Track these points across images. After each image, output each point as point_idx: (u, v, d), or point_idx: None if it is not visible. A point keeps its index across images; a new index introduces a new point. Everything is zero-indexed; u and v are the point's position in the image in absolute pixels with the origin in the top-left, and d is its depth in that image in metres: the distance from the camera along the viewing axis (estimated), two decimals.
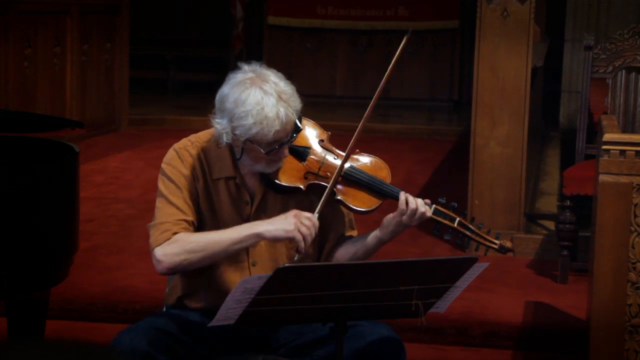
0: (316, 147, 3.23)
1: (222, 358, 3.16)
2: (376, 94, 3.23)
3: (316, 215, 3.07)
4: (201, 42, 11.49)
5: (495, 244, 3.21)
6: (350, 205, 3.19)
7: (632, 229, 3.80)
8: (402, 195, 3.16)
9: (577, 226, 5.24)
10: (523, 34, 5.49)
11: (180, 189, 3.14)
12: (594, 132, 5.12)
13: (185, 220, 3.11)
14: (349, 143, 3.17)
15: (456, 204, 3.26)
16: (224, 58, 11.26)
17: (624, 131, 5.20)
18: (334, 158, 3.21)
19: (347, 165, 3.19)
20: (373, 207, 3.21)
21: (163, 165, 3.19)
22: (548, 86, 8.66)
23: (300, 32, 10.90)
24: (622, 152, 3.81)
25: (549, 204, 6.47)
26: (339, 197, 3.18)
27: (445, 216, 3.20)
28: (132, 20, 9.18)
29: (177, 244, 3.06)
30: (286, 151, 3.12)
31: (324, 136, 3.26)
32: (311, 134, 3.25)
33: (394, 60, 3.21)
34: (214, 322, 2.84)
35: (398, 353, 3.08)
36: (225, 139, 3.07)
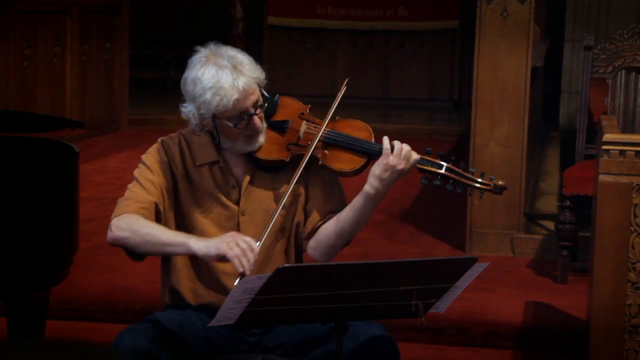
0: (295, 119, 3.24)
1: (222, 357, 3.16)
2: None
3: (259, 244, 3.02)
4: (201, 42, 11.42)
5: (488, 185, 3.16)
6: (334, 168, 3.18)
7: (632, 229, 3.80)
8: (386, 139, 3.12)
9: (577, 226, 5.24)
10: (523, 34, 5.49)
11: (151, 171, 3.18)
12: (594, 132, 5.12)
13: (148, 201, 3.13)
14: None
15: (443, 152, 3.22)
16: None
17: (624, 131, 5.20)
18: (315, 127, 3.22)
19: (324, 132, 3.19)
20: (358, 167, 3.17)
21: (142, 157, 3.25)
22: (548, 86, 8.66)
23: (300, 32, 10.90)
24: (622, 152, 3.81)
25: (549, 204, 6.46)
26: (321, 162, 3.18)
27: (432, 164, 3.16)
28: (132, 20, 9.18)
29: (128, 221, 3.10)
30: (258, 122, 3.12)
31: (304, 109, 3.28)
32: (290, 108, 3.27)
33: (333, 105, 3.21)
34: (214, 322, 2.84)
35: (391, 352, 3.08)
36: (193, 121, 3.12)
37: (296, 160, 3.18)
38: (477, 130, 5.58)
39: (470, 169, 3.20)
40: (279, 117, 3.23)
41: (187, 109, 3.13)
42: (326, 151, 3.19)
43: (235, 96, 3.05)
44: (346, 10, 10.85)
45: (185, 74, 3.14)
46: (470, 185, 3.16)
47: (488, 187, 3.16)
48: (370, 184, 3.11)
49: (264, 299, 2.74)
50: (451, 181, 3.15)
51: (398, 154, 3.09)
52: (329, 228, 3.20)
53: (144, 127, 9.24)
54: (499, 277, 5.15)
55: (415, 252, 5.51)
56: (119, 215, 3.13)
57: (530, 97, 5.60)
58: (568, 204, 5.23)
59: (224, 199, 3.19)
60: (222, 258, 2.98)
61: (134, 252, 3.14)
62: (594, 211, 4.03)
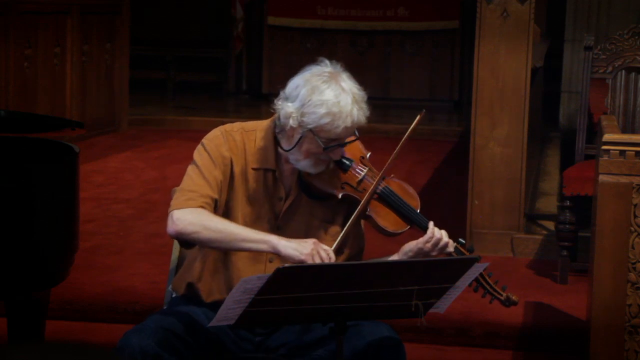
0: (357, 160, 3.26)
1: (223, 357, 3.16)
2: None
3: (344, 231, 3.11)
4: (201, 42, 11.49)
5: (501, 295, 3.25)
6: (379, 224, 3.22)
7: (632, 229, 3.80)
8: (431, 225, 3.20)
9: (577, 226, 5.24)
10: (523, 35, 5.49)
11: (215, 164, 3.15)
12: (594, 133, 5.12)
13: (210, 197, 3.12)
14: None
15: (473, 247, 3.33)
16: (224, 58, 11.26)
17: (623, 131, 5.20)
18: (372, 176, 3.24)
19: (382, 186, 3.23)
20: (399, 231, 3.24)
21: (204, 141, 3.19)
22: (548, 86, 8.65)
23: (300, 32, 10.89)
24: (622, 152, 3.81)
25: (549, 204, 6.46)
26: (369, 213, 3.21)
27: (462, 255, 3.24)
28: (132, 20, 9.18)
29: (197, 215, 3.07)
30: (339, 154, 3.15)
31: (366, 154, 3.30)
32: (354, 149, 3.27)
33: (406, 135, 3.25)
34: (214, 323, 2.84)
35: (397, 354, 3.08)
36: (289, 121, 3.08)
37: (345, 200, 3.20)
38: (477, 130, 5.58)
39: (489, 273, 3.25)
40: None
41: (289, 109, 3.09)
42: (376, 205, 3.23)
43: (347, 124, 3.07)
44: (346, 10, 10.85)
45: (300, 79, 3.12)
46: (488, 291, 3.25)
47: (501, 298, 3.25)
48: (400, 258, 3.22)
49: (264, 299, 2.74)
50: (475, 279, 3.20)
51: (436, 243, 3.18)
52: None
53: (144, 127, 9.24)
54: (499, 277, 5.13)
55: None
56: (182, 208, 3.09)
57: (530, 97, 5.60)
58: (568, 204, 5.23)
59: (270, 207, 3.19)
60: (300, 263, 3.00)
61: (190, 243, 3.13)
62: (594, 211, 4.03)
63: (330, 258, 3.02)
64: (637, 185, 3.80)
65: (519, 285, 5.10)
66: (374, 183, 3.21)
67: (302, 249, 3.01)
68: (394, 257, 3.24)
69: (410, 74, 10.71)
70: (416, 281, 2.82)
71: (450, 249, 3.20)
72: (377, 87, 10.70)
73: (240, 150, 3.18)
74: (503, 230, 5.55)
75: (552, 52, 8.15)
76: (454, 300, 2.97)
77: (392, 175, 3.30)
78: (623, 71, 5.53)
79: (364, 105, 3.13)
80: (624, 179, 3.80)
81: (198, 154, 3.18)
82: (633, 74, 5.53)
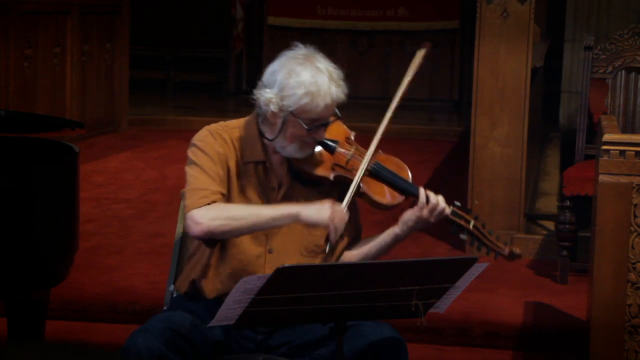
0: (344, 142, 3.30)
1: (224, 357, 3.16)
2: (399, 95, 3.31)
3: (344, 206, 3.14)
4: (201, 42, 11.49)
5: (504, 250, 3.26)
6: (374, 198, 3.24)
7: (632, 229, 3.80)
8: (422, 191, 3.23)
9: (577, 226, 5.24)
10: (523, 35, 5.49)
11: (213, 161, 3.18)
12: (594, 133, 5.12)
13: (220, 192, 3.15)
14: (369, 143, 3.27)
15: (471, 209, 3.36)
16: (224, 58, 11.26)
17: (623, 131, 5.20)
18: (360, 154, 3.27)
19: (372, 161, 3.26)
20: (395, 203, 3.27)
21: (195, 141, 3.22)
22: (548, 86, 8.65)
23: (300, 33, 10.88)
24: (622, 152, 3.81)
25: (549, 204, 6.47)
26: (363, 190, 3.23)
27: (461, 217, 3.27)
28: (132, 20, 9.18)
29: (216, 210, 3.11)
30: (323, 134, 3.18)
31: (350, 134, 3.34)
32: (339, 131, 3.31)
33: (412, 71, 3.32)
34: (214, 323, 2.84)
35: (399, 354, 3.08)
36: (270, 107, 3.12)
37: (338, 181, 3.23)
38: (477, 130, 5.58)
39: (489, 230, 3.29)
40: (327, 136, 3.26)
41: (268, 95, 3.13)
42: (369, 181, 3.25)
43: (327, 102, 3.12)
44: (346, 10, 10.85)
45: (277, 65, 3.17)
46: (491, 247, 3.26)
47: (504, 253, 3.26)
48: (401, 229, 3.26)
49: (264, 299, 2.74)
50: (474, 237, 3.25)
51: (432, 208, 3.21)
52: (351, 257, 3.31)
53: (144, 127, 9.24)
54: (499, 277, 5.15)
55: (415, 252, 5.51)
56: (198, 207, 3.11)
57: (530, 97, 5.60)
58: (568, 204, 5.23)
59: (264, 198, 3.22)
60: (323, 226, 3.09)
61: (214, 240, 3.16)
62: (594, 211, 4.03)
63: (345, 219, 3.10)
64: (637, 185, 3.80)
65: (519, 285, 5.10)
66: (364, 160, 3.24)
67: (322, 214, 3.08)
68: (395, 229, 3.26)
69: None
70: (416, 281, 2.82)
71: (447, 211, 3.23)
72: (377, 87, 10.71)
73: (229, 147, 3.22)
74: (503, 230, 5.55)
75: (552, 52, 8.15)
76: (454, 300, 2.97)
77: (379, 151, 3.33)
78: (623, 71, 5.53)
79: (342, 83, 3.17)
80: (624, 179, 3.80)
81: (193, 154, 3.20)
82: (633, 74, 5.53)
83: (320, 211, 3.08)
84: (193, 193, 3.15)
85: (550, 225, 5.80)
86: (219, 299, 3.13)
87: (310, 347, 3.16)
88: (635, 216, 3.80)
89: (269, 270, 3.13)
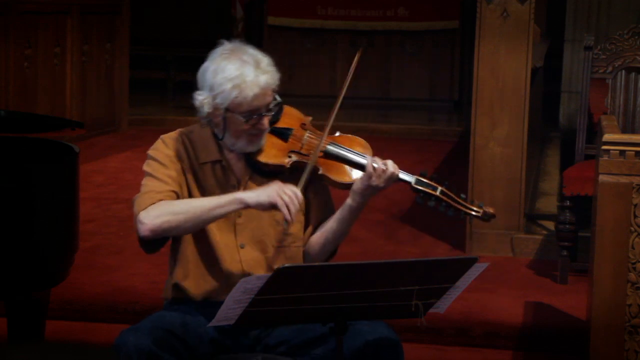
0: (298, 128, 3.29)
1: (223, 357, 3.16)
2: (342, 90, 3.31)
3: (299, 188, 3.11)
4: (201, 42, 11.45)
5: (478, 211, 3.22)
6: (333, 178, 3.22)
7: (632, 229, 3.80)
8: (369, 159, 3.19)
9: (577, 226, 5.24)
10: (523, 35, 5.49)
11: (164, 165, 3.21)
12: (594, 133, 5.12)
13: (168, 191, 3.16)
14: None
15: (437, 175, 3.28)
16: None
17: (623, 131, 5.20)
18: (316, 138, 3.27)
19: (326, 142, 3.24)
20: (355, 179, 3.22)
21: (149, 152, 3.27)
22: (548, 86, 8.66)
23: (300, 32, 10.88)
24: (622, 152, 3.82)
25: (549, 204, 6.47)
26: (321, 172, 3.22)
27: (427, 185, 3.22)
28: (132, 20, 9.18)
29: (160, 207, 3.12)
30: (266, 123, 3.17)
31: (306, 120, 3.33)
32: (293, 117, 3.32)
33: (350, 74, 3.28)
34: (214, 323, 2.84)
35: (395, 354, 3.08)
36: (206, 109, 3.15)
37: (295, 167, 3.22)
38: (477, 130, 5.58)
39: (461, 195, 3.24)
40: (281, 124, 3.27)
41: (202, 97, 3.16)
42: (327, 162, 3.23)
43: (256, 91, 3.11)
44: (346, 10, 10.85)
45: (206, 64, 3.19)
46: (461, 210, 3.22)
47: (478, 214, 3.22)
48: (354, 199, 3.21)
49: (264, 299, 2.74)
50: (444, 204, 3.20)
51: (379, 174, 3.16)
52: (314, 239, 3.29)
53: (144, 127, 9.24)
54: (499, 277, 5.15)
55: (415, 252, 5.51)
56: (144, 209, 3.13)
57: (530, 97, 5.61)
58: (568, 204, 5.23)
59: None
60: (273, 206, 3.06)
61: (152, 243, 3.16)
62: (594, 211, 4.03)
63: (296, 195, 3.06)
64: (637, 185, 3.80)
65: (519, 285, 5.10)
66: (318, 142, 3.22)
67: (267, 193, 3.07)
68: (347, 201, 3.20)
69: (410, 74, 10.70)
70: (416, 281, 2.82)
71: (397, 172, 3.17)
72: (377, 87, 10.71)
73: (182, 149, 3.24)
74: (503, 230, 5.55)
75: (552, 52, 8.15)
76: (454, 300, 2.97)
77: (337, 133, 3.32)
78: (623, 71, 5.53)
79: (270, 69, 3.16)
80: (624, 179, 3.81)
81: (147, 165, 3.24)
82: (633, 74, 5.53)
83: (264, 191, 3.08)
84: (141, 198, 3.17)
85: (550, 225, 5.80)
86: (207, 301, 3.17)
87: (309, 346, 3.16)
88: (635, 216, 3.80)
89: (246, 265, 3.17)
